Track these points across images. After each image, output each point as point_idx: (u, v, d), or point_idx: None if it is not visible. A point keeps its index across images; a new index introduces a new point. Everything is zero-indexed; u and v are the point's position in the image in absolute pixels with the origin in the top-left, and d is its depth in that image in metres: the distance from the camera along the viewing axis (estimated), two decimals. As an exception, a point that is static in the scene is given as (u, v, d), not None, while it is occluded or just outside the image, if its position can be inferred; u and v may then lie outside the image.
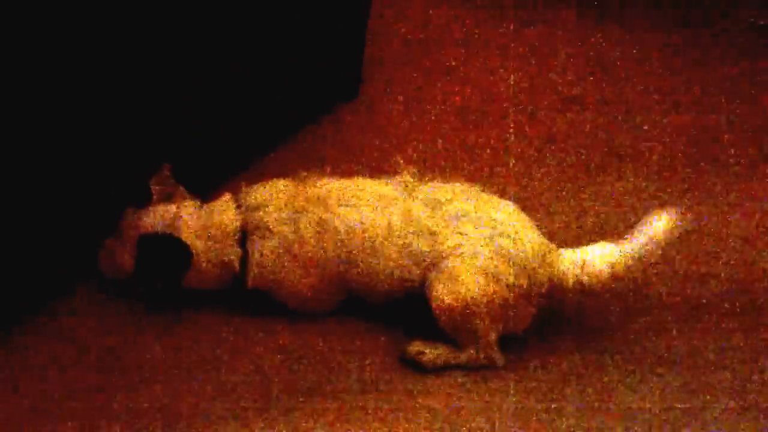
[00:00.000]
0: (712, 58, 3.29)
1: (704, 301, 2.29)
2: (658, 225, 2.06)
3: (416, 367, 2.07)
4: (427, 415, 1.98)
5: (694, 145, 2.85)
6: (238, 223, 2.12)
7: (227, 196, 2.17)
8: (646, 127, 2.92)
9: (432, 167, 2.46)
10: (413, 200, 2.10)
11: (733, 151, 2.83)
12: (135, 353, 2.08)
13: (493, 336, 2.06)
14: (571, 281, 2.07)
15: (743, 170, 2.76)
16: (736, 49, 3.34)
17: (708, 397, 2.05)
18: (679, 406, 2.02)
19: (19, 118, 1.95)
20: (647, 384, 2.07)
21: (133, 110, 2.18)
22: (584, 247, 2.11)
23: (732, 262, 2.41)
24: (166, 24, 2.18)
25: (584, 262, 2.07)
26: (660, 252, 2.06)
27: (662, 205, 2.53)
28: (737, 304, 2.29)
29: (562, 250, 2.11)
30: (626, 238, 2.08)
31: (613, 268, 2.06)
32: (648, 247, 2.06)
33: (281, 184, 2.18)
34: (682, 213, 2.06)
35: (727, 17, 3.50)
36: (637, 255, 2.05)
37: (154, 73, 2.20)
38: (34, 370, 2.02)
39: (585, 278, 2.07)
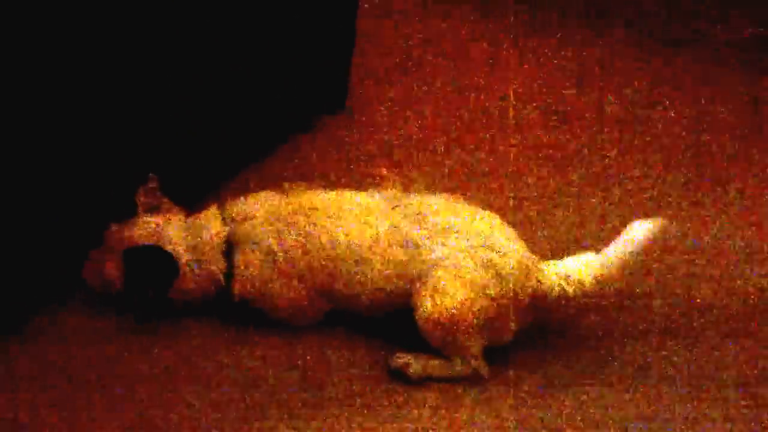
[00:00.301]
0: (708, 71, 3.31)
1: (699, 310, 2.29)
2: (639, 233, 2.07)
3: (402, 378, 2.07)
4: (413, 426, 1.98)
5: (687, 159, 2.86)
6: (223, 235, 2.12)
7: (213, 208, 2.17)
8: (636, 141, 2.93)
9: (417, 179, 2.47)
10: (398, 212, 2.10)
11: (723, 164, 2.84)
12: (123, 365, 2.07)
13: (477, 347, 2.07)
14: (555, 292, 2.08)
15: (740, 178, 2.77)
16: (733, 62, 3.35)
17: (702, 405, 2.05)
18: (673, 414, 2.03)
19: (12, 130, 1.95)
20: (640, 392, 2.07)
21: (121, 122, 2.18)
22: (566, 258, 2.12)
23: (728, 273, 2.42)
24: (152, 38, 2.19)
25: (567, 272, 2.08)
26: (641, 259, 2.08)
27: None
28: (733, 313, 2.30)
29: (545, 263, 2.12)
30: (607, 247, 2.09)
31: (595, 276, 2.07)
32: (629, 255, 2.07)
33: (267, 196, 2.18)
34: (664, 222, 2.07)
35: (725, 30, 3.52)
36: (618, 263, 2.07)
37: (140, 86, 2.20)
38: (21, 382, 2.01)
39: (569, 289, 2.08)
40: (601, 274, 2.07)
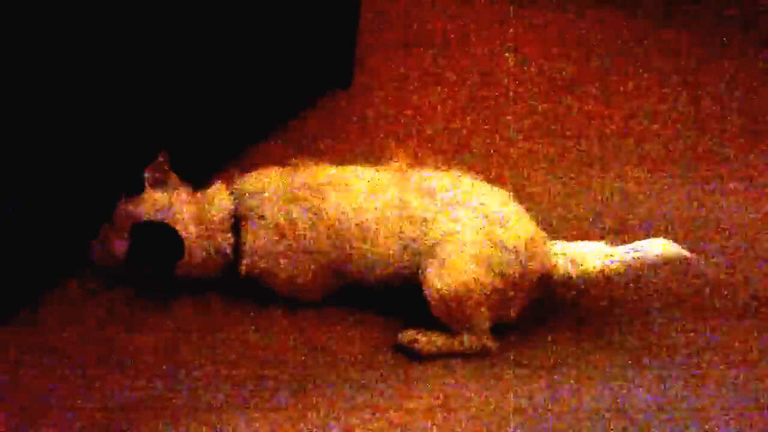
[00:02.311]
0: (710, 46, 3.30)
1: (702, 289, 2.29)
2: (657, 248, 2.07)
3: (410, 354, 2.07)
4: (422, 402, 1.98)
5: (692, 134, 2.86)
6: (231, 210, 2.13)
7: (221, 184, 2.17)
8: (642, 116, 2.92)
9: (425, 155, 2.46)
10: (406, 187, 2.10)
11: (730, 140, 2.84)
12: (131, 344, 2.07)
13: (485, 323, 2.07)
14: (560, 272, 2.08)
15: (741, 159, 2.76)
16: (734, 37, 3.34)
17: (704, 383, 2.05)
18: (675, 393, 2.03)
19: (16, 111, 1.94)
20: (643, 371, 2.07)
21: (127, 99, 2.18)
22: (578, 242, 2.12)
23: (730, 251, 2.42)
24: (158, 13, 2.18)
25: (575, 256, 2.08)
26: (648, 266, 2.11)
27: (660, 197, 2.57)
28: (735, 292, 2.29)
29: (555, 242, 2.12)
30: (622, 244, 2.10)
31: (600, 268, 2.07)
32: (637, 262, 2.07)
33: (274, 171, 2.18)
34: (683, 252, 2.07)
35: (725, 5, 3.51)
36: (625, 264, 2.07)
37: (146, 62, 2.19)
38: (30, 361, 2.01)
39: (573, 272, 2.08)
40: (606, 268, 2.07)
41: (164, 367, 2.02)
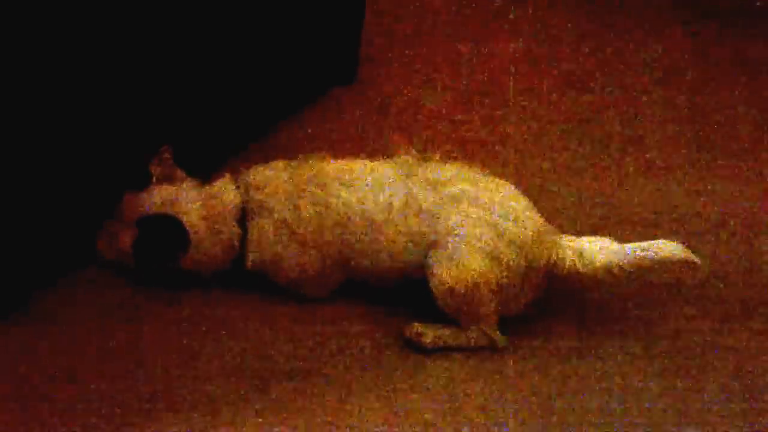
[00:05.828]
0: (713, 40, 3.30)
1: (705, 283, 2.29)
2: (667, 250, 2.06)
3: (416, 348, 2.07)
4: (428, 396, 1.98)
5: (696, 128, 2.86)
6: (237, 203, 2.12)
7: (227, 177, 2.17)
8: (647, 110, 2.93)
9: (431, 148, 2.46)
10: (413, 181, 2.09)
11: (735, 134, 2.84)
12: (136, 338, 2.07)
13: (492, 316, 2.06)
14: (567, 267, 2.08)
15: (745, 153, 2.76)
16: (737, 32, 3.35)
17: (707, 378, 2.05)
18: (678, 386, 2.03)
19: (20, 106, 1.94)
20: (647, 365, 2.07)
21: (132, 93, 2.18)
22: (586, 237, 2.11)
23: (733, 244, 2.42)
24: (163, 7, 2.18)
25: (582, 251, 2.08)
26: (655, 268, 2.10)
27: (661, 195, 2.57)
28: (738, 286, 2.29)
29: (563, 236, 2.11)
30: (626, 241, 2.09)
31: (608, 264, 2.06)
32: (645, 261, 2.06)
33: (280, 165, 2.17)
34: (693, 258, 2.06)
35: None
36: (633, 262, 2.06)
37: (151, 55, 2.19)
38: (31, 356, 2.01)
39: (580, 267, 2.07)
40: (612, 264, 2.06)
41: (169, 361, 2.02)
